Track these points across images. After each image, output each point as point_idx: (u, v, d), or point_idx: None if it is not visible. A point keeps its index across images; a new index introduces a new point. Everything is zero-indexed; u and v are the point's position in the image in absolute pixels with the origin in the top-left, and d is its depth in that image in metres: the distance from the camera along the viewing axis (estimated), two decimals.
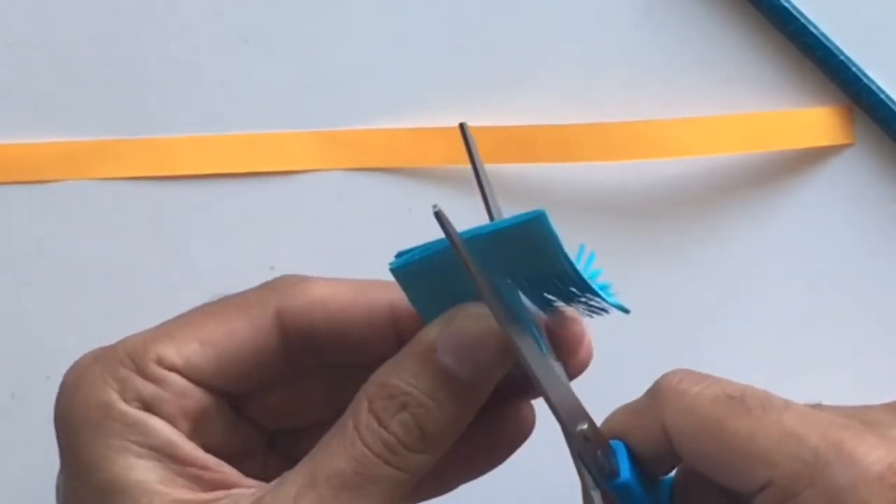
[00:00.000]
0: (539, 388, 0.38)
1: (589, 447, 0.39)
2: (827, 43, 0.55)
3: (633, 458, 0.39)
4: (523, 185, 0.55)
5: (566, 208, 0.56)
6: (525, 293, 0.39)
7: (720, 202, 0.56)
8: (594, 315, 0.40)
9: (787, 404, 0.38)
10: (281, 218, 0.56)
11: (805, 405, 0.39)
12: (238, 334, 0.41)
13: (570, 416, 0.38)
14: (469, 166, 0.41)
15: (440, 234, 0.36)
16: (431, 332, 0.39)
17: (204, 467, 0.40)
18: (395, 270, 0.39)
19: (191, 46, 0.56)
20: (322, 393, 0.43)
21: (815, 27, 0.55)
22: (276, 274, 0.55)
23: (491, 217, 0.41)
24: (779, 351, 0.55)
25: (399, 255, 0.40)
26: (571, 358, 0.41)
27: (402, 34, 0.56)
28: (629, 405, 0.40)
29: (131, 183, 0.56)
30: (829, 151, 0.55)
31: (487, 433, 0.42)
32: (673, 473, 0.41)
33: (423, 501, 0.43)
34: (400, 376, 0.39)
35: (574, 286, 0.38)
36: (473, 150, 0.40)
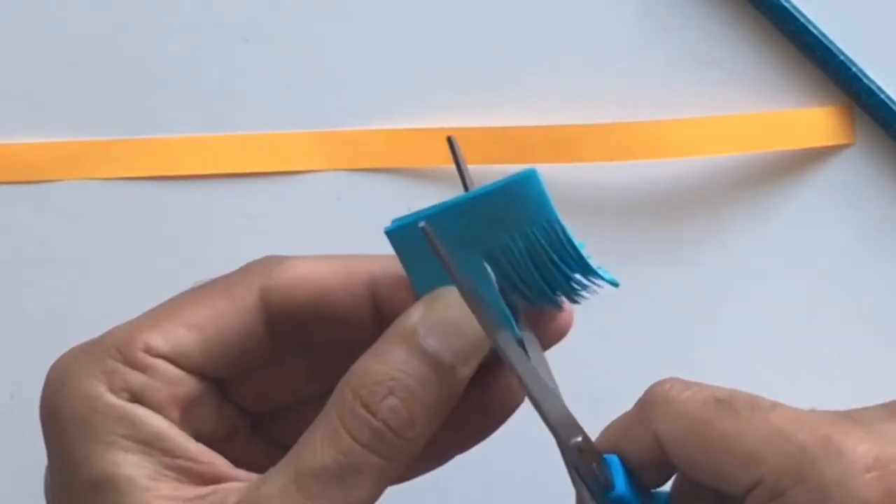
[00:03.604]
0: (532, 402, 0.38)
1: (584, 459, 0.38)
2: (827, 43, 0.55)
3: (628, 470, 0.39)
4: None
5: (566, 209, 0.55)
6: (508, 274, 0.39)
7: (720, 202, 0.56)
8: (580, 298, 0.40)
9: (775, 405, 0.38)
10: (281, 218, 0.56)
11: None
12: (223, 316, 0.41)
13: (564, 428, 0.38)
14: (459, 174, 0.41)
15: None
16: (414, 317, 0.39)
17: (194, 459, 0.39)
18: (389, 233, 0.39)
19: (191, 46, 0.56)
20: (306, 372, 0.43)
21: (815, 27, 0.55)
22: None
23: None
24: (779, 351, 0.55)
25: (395, 220, 0.40)
26: (550, 340, 0.41)
27: (401, 34, 0.56)
28: (620, 417, 0.40)
29: (131, 183, 0.56)
30: (829, 151, 0.55)
31: (476, 401, 0.41)
32: (669, 486, 0.41)
33: (415, 477, 0.42)
34: (385, 362, 0.39)
35: (566, 255, 0.39)
36: (462, 164, 0.41)
